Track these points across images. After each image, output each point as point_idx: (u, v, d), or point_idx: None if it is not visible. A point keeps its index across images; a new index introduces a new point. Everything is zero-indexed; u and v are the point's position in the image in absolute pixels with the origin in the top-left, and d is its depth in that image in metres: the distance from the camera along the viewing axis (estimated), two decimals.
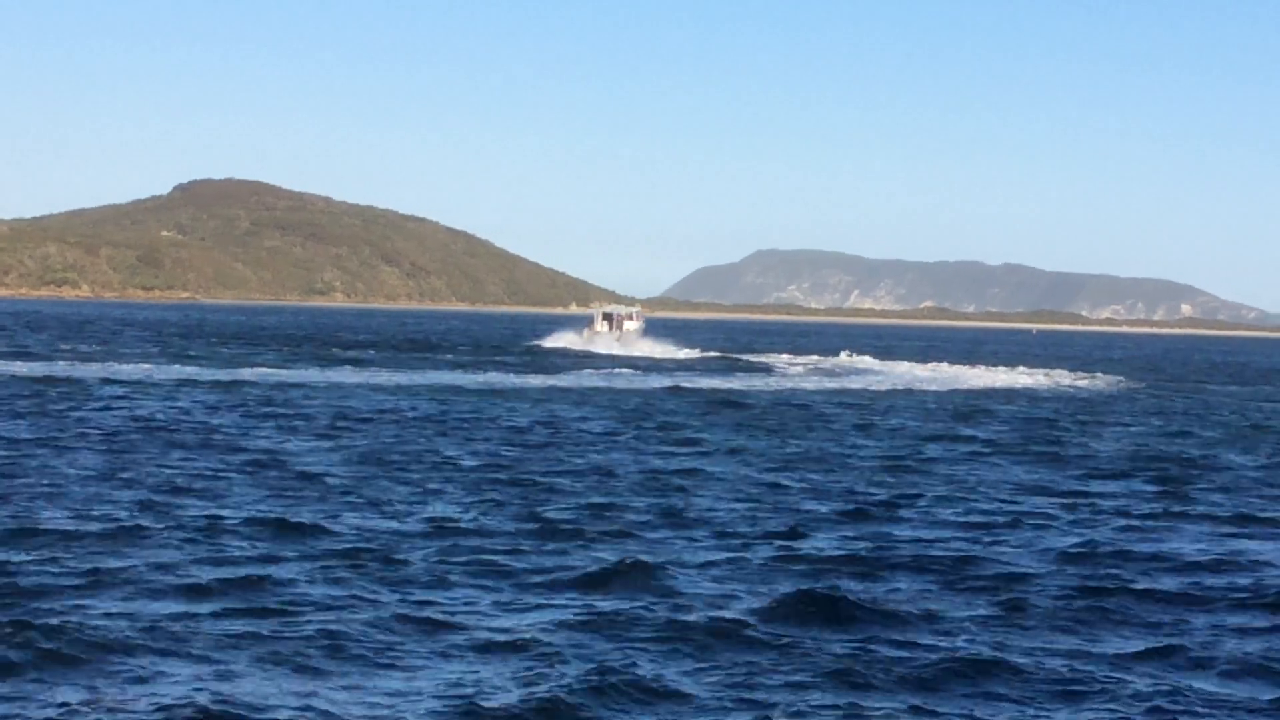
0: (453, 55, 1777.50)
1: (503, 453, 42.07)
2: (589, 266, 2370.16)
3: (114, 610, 19.84)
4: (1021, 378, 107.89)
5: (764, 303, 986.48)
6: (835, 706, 16.88)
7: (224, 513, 28.45)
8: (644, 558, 24.77)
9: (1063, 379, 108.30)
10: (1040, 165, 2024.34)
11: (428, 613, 20.47)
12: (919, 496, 35.05)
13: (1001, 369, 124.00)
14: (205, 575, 22.31)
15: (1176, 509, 34.31)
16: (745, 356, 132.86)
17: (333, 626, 19.46)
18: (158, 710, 15.95)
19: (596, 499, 32.65)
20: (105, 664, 17.50)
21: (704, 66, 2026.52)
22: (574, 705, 16.61)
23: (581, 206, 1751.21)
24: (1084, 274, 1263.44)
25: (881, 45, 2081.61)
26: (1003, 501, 34.78)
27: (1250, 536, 30.27)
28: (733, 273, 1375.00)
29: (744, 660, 18.62)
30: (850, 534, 28.72)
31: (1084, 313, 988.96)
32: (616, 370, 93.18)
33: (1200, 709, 17.25)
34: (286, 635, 18.89)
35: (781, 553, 26.17)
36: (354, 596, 21.30)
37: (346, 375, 79.00)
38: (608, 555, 25.19)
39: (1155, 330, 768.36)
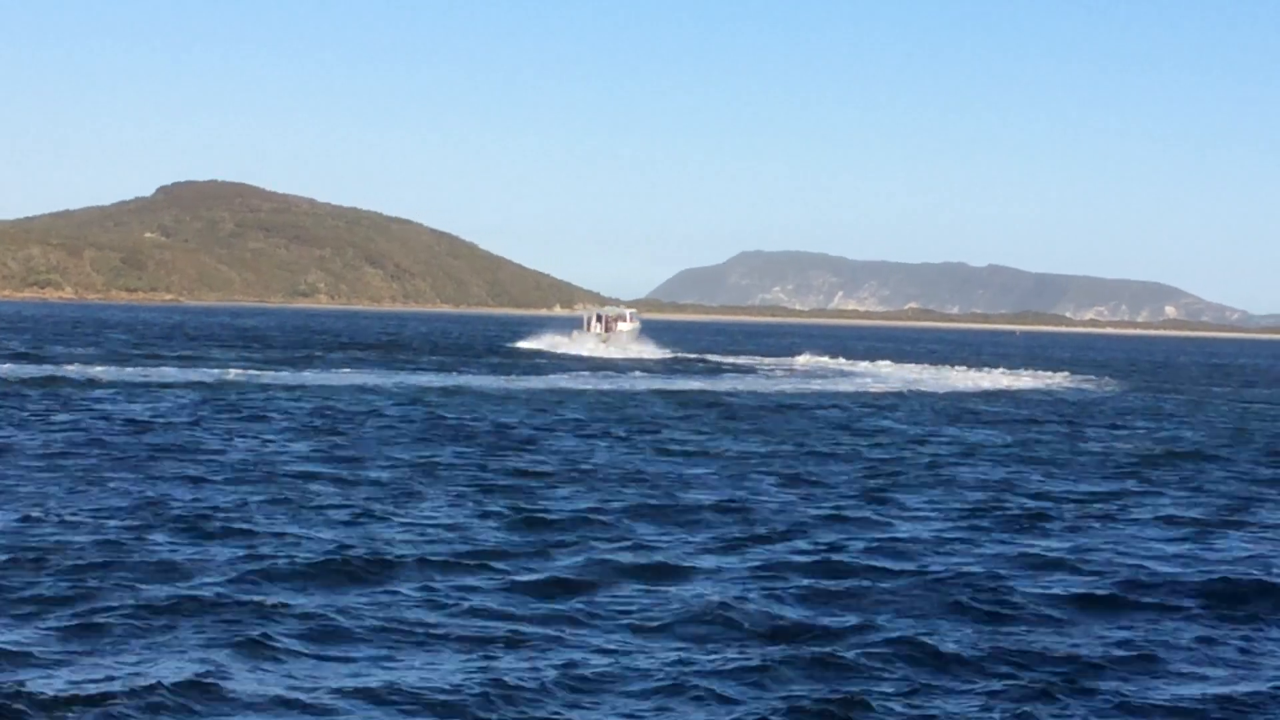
0: (438, 57, 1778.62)
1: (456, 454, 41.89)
2: (574, 268, 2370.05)
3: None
4: (984, 380, 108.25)
5: (749, 304, 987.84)
6: (829, 702, 16.84)
7: (203, 512, 28.38)
8: (617, 556, 24.74)
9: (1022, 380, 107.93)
10: (1025, 167, 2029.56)
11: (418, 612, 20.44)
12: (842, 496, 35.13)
13: (960, 369, 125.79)
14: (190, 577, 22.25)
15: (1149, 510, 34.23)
16: (709, 357, 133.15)
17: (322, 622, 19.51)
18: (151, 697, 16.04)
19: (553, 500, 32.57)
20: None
21: (690, 69, 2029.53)
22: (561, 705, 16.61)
23: (566, 208, 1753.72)
24: (1068, 275, 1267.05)
25: (868, 46, 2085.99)
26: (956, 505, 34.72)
27: (1224, 536, 30.20)
28: (717, 274, 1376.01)
29: (734, 658, 18.58)
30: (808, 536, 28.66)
31: (1068, 314, 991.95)
32: (580, 372, 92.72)
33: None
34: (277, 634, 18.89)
35: (771, 552, 26.14)
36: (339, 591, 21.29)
37: (331, 377, 78.79)
38: (577, 557, 25.13)
39: (1139, 331, 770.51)
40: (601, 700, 16.79)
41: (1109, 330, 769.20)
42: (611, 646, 18.94)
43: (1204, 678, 18.60)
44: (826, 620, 20.63)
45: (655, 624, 20.14)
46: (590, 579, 23.02)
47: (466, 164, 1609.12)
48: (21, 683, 16.37)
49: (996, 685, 17.76)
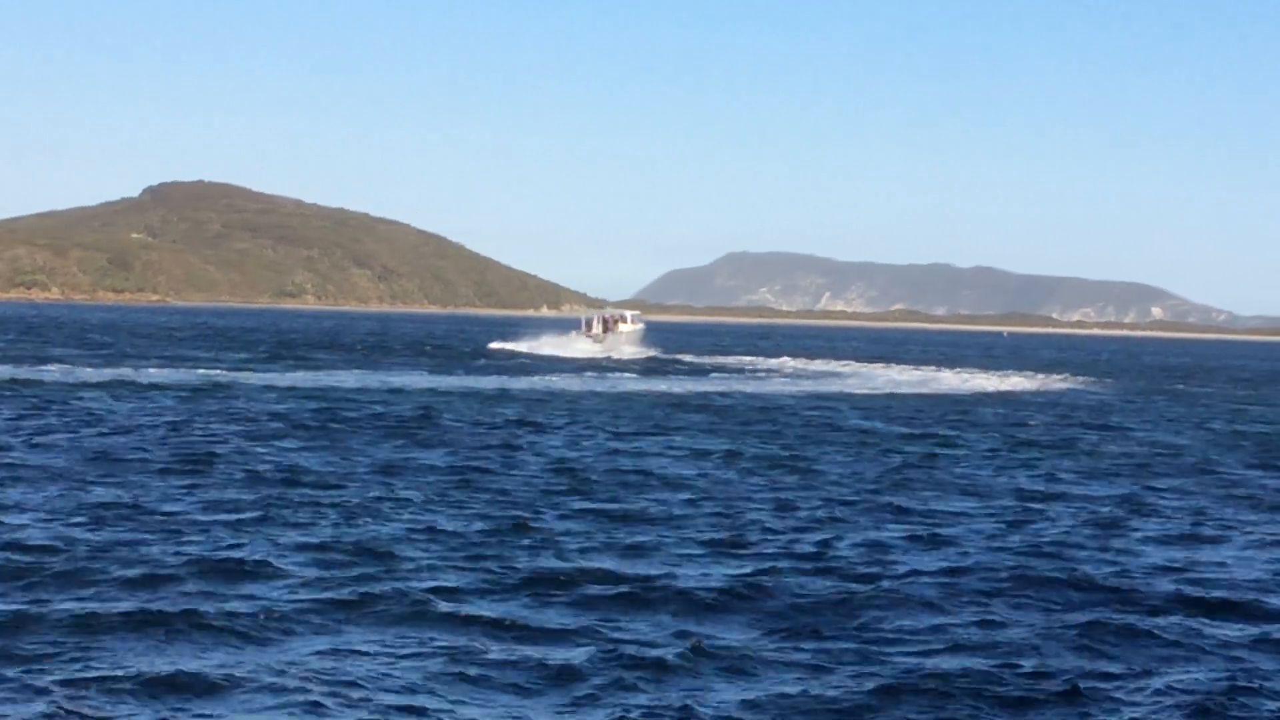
0: (426, 58, 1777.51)
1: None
2: (561, 269, 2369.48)
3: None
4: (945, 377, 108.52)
5: (735, 305, 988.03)
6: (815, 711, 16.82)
7: (182, 513, 28.30)
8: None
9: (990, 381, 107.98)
10: (1012, 168, 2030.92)
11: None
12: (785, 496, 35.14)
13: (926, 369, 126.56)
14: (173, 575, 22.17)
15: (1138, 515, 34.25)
16: (682, 358, 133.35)
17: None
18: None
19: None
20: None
21: (678, 70, 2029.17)
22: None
23: (554, 209, 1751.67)
24: (1055, 277, 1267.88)
25: (856, 49, 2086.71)
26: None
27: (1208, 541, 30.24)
28: (704, 275, 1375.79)
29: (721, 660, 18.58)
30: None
31: (1055, 315, 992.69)
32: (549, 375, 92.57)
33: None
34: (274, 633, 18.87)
35: (761, 554, 26.13)
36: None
37: (317, 378, 78.66)
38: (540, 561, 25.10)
39: (1126, 333, 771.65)
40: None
41: (1095, 331, 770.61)
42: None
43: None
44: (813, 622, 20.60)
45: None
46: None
47: (454, 165, 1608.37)
48: None
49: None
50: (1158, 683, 18.15)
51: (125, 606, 19.88)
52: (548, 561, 24.57)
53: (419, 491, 32.97)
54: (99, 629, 18.73)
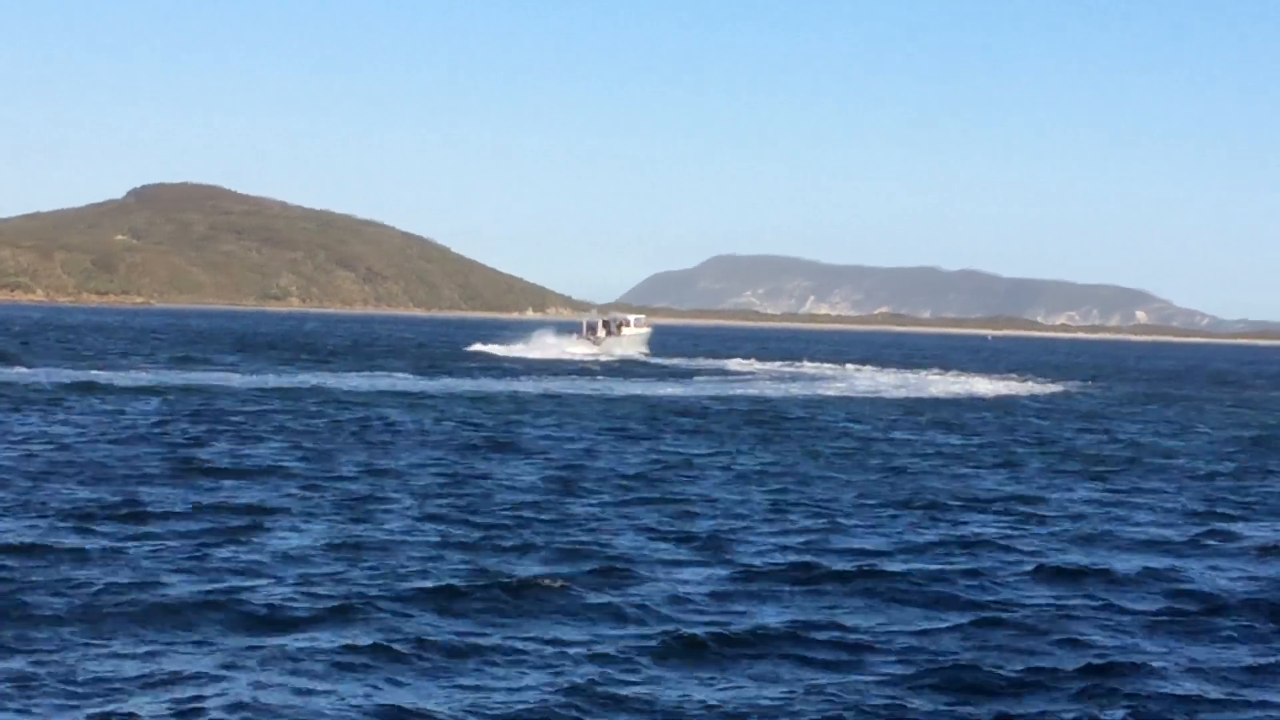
0: (410, 61, 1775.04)
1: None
2: (545, 272, 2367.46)
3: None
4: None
5: (720, 308, 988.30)
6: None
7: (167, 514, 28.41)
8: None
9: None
10: (999, 172, 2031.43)
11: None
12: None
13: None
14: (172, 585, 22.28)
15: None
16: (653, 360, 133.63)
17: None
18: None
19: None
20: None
21: (663, 73, 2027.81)
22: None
23: (539, 212, 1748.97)
24: (1040, 280, 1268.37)
25: (841, 51, 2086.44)
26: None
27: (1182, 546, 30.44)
28: (689, 278, 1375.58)
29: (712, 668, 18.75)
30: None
31: (1040, 319, 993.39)
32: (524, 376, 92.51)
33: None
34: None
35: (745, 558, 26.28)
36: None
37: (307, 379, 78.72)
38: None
39: (1111, 336, 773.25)
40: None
41: (1080, 335, 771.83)
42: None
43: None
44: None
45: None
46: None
47: (440, 167, 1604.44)
48: None
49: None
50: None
51: None
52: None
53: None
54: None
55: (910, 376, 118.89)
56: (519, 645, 19.28)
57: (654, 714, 16.78)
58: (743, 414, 64.97)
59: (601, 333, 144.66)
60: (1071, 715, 17.22)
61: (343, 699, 16.76)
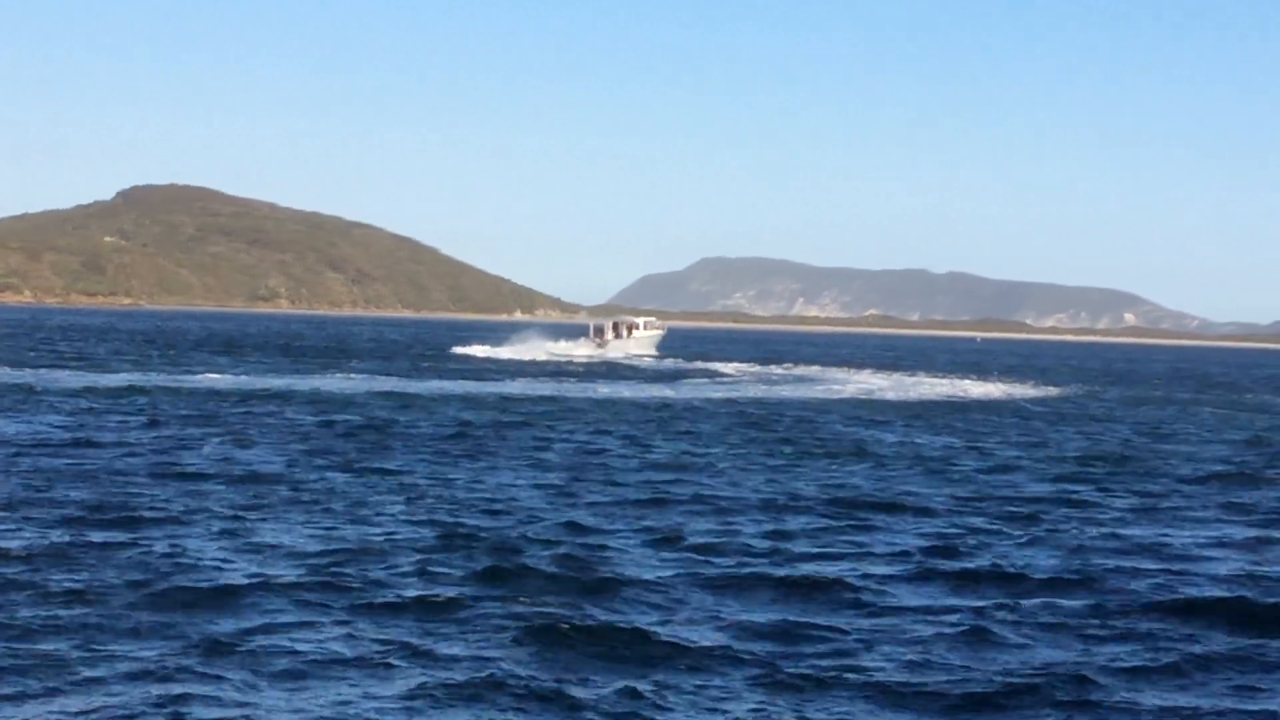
0: (399, 62, 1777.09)
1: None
2: (535, 274, 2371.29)
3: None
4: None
5: (710, 310, 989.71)
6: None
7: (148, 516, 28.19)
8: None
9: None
10: (987, 174, 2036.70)
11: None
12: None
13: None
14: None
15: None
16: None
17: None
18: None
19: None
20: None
21: (653, 75, 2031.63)
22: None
23: (528, 214, 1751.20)
24: (1029, 283, 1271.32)
25: (831, 54, 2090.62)
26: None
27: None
28: (679, 280, 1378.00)
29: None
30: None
31: (1029, 321, 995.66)
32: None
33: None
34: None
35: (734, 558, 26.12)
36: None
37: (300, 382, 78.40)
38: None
39: (1100, 339, 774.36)
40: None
41: (1069, 337, 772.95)
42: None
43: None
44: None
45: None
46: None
47: (429, 169, 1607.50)
48: None
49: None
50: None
51: None
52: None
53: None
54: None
55: (906, 379, 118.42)
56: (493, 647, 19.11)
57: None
58: (733, 416, 64.73)
59: (609, 335, 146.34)
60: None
61: (333, 702, 16.60)
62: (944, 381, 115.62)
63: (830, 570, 25.13)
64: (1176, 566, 26.94)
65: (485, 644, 19.16)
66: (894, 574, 25.11)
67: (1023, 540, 29.54)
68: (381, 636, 19.28)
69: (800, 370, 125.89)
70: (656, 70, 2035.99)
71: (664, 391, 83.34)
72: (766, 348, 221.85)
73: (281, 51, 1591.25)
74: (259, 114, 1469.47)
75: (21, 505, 28.87)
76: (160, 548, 24.71)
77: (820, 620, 21.17)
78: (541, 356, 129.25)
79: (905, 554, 27.21)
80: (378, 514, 29.91)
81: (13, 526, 26.36)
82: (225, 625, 19.65)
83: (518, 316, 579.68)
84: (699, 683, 17.81)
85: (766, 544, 27.75)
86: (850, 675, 18.29)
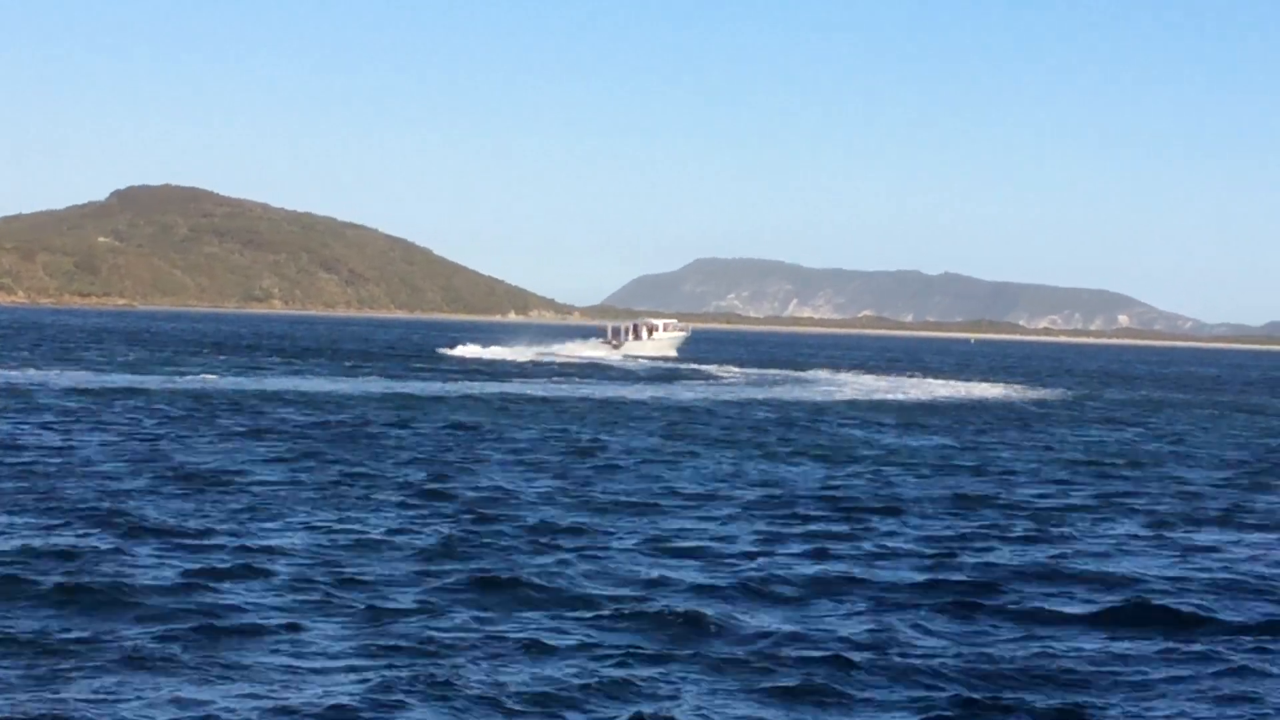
0: (392, 63, 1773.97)
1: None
2: (528, 275, 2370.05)
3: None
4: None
5: (704, 311, 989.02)
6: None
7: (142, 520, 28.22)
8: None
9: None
10: (981, 175, 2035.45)
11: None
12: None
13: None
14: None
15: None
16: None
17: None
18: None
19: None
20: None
21: (647, 76, 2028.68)
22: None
23: (522, 214, 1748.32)
24: (1022, 284, 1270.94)
25: (824, 54, 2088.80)
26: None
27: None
28: (672, 281, 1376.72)
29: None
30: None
31: (1022, 322, 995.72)
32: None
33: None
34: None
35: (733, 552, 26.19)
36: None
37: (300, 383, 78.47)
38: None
39: (1093, 340, 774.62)
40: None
41: (1062, 339, 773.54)
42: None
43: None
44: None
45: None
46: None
47: (422, 170, 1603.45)
48: None
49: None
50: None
51: None
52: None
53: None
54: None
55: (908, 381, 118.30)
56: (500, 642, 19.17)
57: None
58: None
59: (627, 337, 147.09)
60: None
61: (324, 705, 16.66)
62: (942, 383, 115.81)
63: (835, 571, 25.27)
64: (1180, 572, 27.12)
65: (484, 645, 19.30)
66: (896, 578, 25.23)
67: (1031, 542, 29.73)
68: (378, 642, 19.36)
69: (810, 374, 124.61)
70: (651, 71, 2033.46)
71: (659, 393, 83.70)
72: (761, 349, 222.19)
73: (275, 52, 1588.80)
74: (252, 115, 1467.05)
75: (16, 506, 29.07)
76: (146, 550, 24.82)
77: (823, 623, 21.28)
78: (525, 357, 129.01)
79: (906, 555, 27.38)
80: (375, 514, 30.04)
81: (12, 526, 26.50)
82: (217, 623, 19.79)
83: (511, 317, 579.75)
84: (700, 688, 17.89)
85: (763, 547, 27.88)
86: (849, 681, 18.40)
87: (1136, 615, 22.47)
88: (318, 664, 18.17)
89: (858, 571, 25.35)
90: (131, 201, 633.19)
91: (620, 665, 18.43)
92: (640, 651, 19.08)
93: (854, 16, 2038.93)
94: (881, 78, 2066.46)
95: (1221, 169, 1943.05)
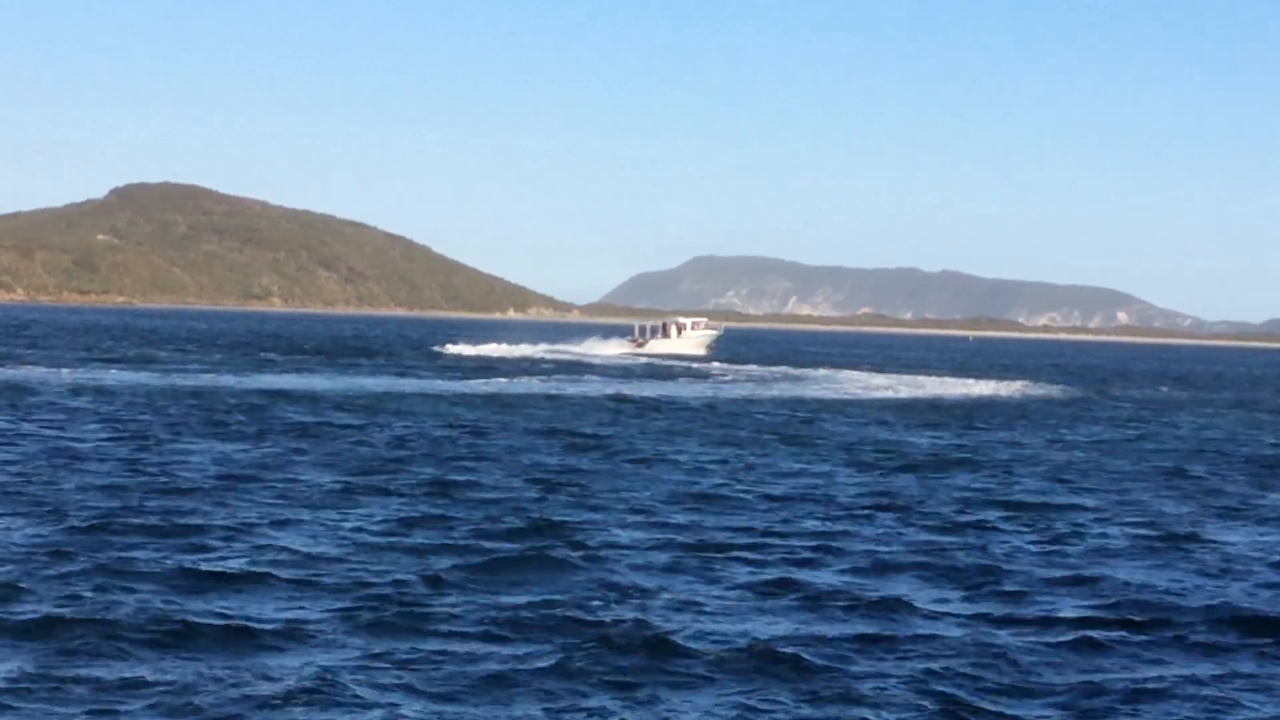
0: (390, 61, 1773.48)
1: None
2: (527, 273, 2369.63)
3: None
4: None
5: (702, 309, 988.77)
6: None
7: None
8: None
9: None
10: (980, 172, 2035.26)
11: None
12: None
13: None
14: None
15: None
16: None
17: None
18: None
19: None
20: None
21: (644, 74, 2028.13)
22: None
23: (520, 212, 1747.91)
24: (1021, 281, 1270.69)
25: (821, 52, 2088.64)
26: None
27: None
28: (671, 279, 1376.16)
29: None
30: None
31: (1021, 320, 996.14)
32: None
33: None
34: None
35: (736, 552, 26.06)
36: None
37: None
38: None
39: (1092, 338, 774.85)
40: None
41: (1061, 336, 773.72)
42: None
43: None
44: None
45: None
46: None
47: (421, 168, 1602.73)
48: None
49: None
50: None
51: None
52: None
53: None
54: None
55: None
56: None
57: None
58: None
59: (655, 336, 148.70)
60: None
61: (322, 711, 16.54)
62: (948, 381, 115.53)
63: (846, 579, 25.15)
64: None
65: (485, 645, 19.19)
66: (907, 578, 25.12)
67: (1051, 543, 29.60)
68: (375, 647, 19.25)
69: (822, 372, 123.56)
70: (649, 69, 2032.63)
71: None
72: (764, 346, 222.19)
73: (274, 51, 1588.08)
74: (252, 113, 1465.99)
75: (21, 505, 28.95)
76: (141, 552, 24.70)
77: (834, 628, 21.16)
78: (538, 354, 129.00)
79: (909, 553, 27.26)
80: (373, 515, 29.94)
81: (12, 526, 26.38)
82: (213, 624, 19.66)
83: (511, 315, 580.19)
84: (702, 692, 17.77)
85: (775, 542, 27.79)
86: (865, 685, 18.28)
87: None
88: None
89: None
90: (130, 199, 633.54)
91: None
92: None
93: (853, 16, 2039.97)
94: (879, 76, 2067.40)
95: (1221, 167, 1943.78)
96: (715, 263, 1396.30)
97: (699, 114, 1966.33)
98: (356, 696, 16.98)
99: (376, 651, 18.78)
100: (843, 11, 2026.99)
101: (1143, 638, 21.11)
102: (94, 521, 27.24)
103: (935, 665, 19.07)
